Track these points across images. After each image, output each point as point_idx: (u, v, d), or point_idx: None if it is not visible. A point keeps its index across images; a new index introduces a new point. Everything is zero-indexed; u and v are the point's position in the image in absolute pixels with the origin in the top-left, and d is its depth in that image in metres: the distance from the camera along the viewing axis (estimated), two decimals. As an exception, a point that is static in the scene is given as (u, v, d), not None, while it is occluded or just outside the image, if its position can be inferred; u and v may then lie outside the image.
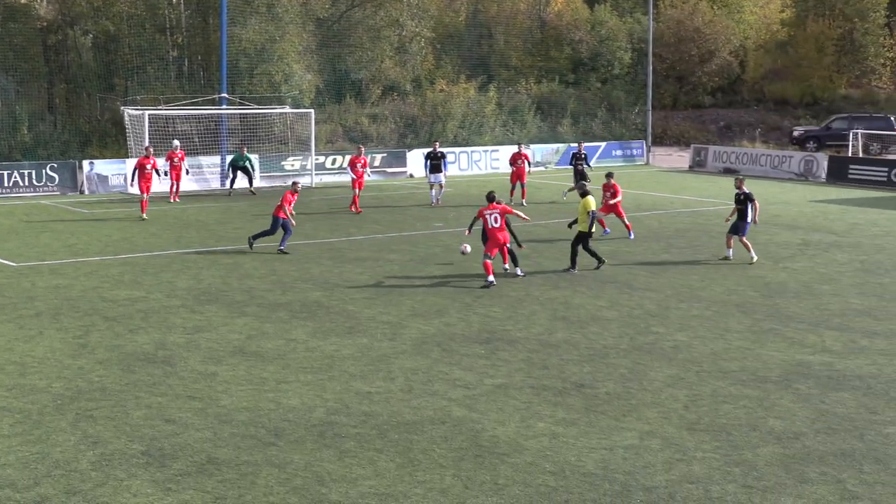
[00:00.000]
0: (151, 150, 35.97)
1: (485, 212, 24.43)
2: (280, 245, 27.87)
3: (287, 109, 47.45)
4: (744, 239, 26.94)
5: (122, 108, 44.26)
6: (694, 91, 70.35)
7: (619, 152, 57.44)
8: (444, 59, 62.56)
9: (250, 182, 41.90)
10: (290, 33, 50.93)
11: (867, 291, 23.56)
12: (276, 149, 46.81)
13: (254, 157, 43.97)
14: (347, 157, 46.68)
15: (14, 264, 26.03)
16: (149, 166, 35.05)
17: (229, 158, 42.99)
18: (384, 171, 48.59)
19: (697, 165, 54.17)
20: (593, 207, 25.36)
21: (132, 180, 36.23)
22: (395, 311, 21.07)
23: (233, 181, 41.77)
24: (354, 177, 36.78)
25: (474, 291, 23.02)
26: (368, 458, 13.10)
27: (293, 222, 27.98)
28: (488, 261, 23.95)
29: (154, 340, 18.56)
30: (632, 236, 30.68)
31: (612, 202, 30.50)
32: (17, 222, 33.69)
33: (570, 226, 26.89)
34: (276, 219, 27.74)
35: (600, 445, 13.64)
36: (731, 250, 27.33)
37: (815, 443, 13.87)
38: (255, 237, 28.28)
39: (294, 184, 28.67)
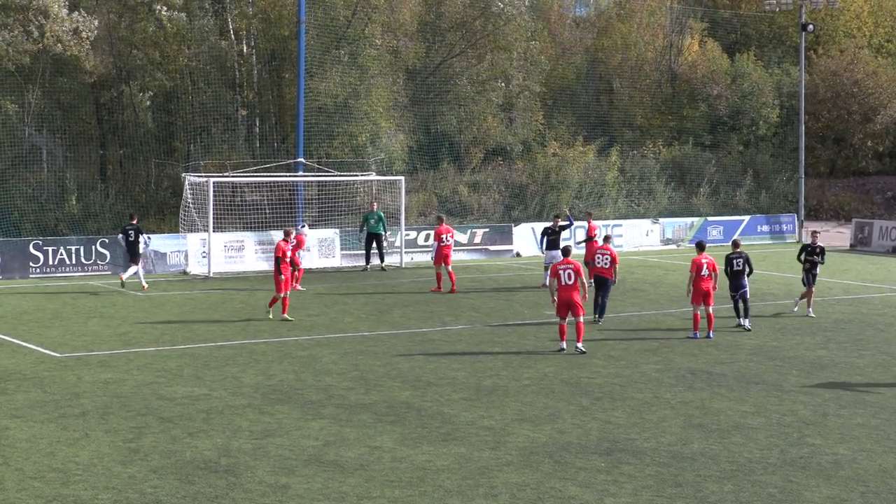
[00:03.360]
0: (293, 233, 33.79)
1: (559, 267, 26.70)
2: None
3: (373, 176, 48.00)
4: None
5: (182, 174, 45.19)
6: (855, 156, 69.67)
7: (765, 227, 57.03)
8: (556, 118, 62.90)
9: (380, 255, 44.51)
10: (377, 87, 51.69)
11: None
12: (360, 222, 47.29)
13: (334, 233, 44.53)
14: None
15: (58, 355, 26.51)
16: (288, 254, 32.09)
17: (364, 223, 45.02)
18: (486, 249, 48.79)
19: (860, 244, 53.49)
20: None
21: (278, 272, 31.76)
22: (499, 415, 20.98)
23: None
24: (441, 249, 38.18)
25: (592, 393, 22.88)
26: (466, 590, 13.00)
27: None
28: (563, 324, 26.77)
29: (216, 446, 18.71)
30: None
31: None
32: (61, 306, 34.39)
33: None
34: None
35: (745, 580, 13.38)
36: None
37: None
38: None
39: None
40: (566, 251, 27.55)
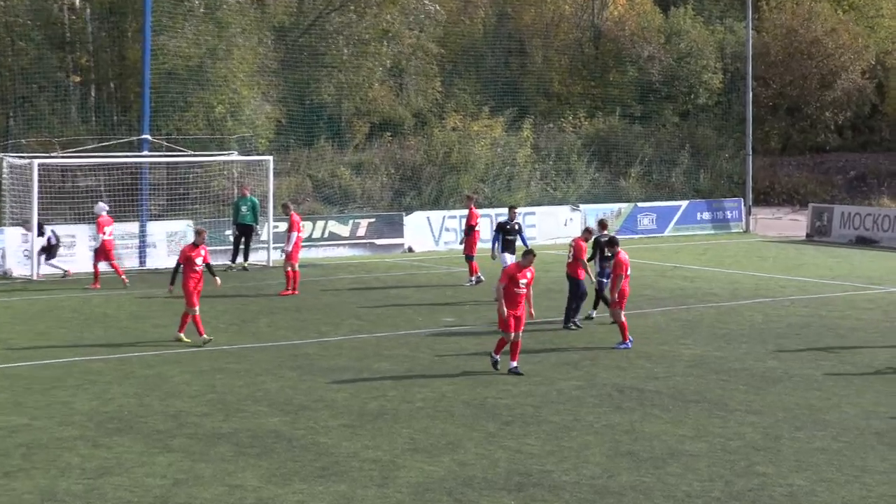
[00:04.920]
0: (205, 234, 31.41)
1: (519, 274, 26.59)
2: None
3: (234, 156, 47.72)
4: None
5: (0, 154, 44.53)
6: (812, 128, 70.57)
7: (706, 215, 57.59)
8: (457, 85, 63.00)
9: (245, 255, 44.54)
10: (238, 47, 51.36)
11: None
12: (218, 212, 46.96)
13: (187, 225, 44.23)
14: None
15: None
16: (199, 260, 30.13)
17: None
18: (372, 244, 48.73)
19: (818, 233, 54.20)
20: None
21: (173, 280, 30.47)
22: (387, 445, 20.92)
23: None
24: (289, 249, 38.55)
25: (500, 416, 22.89)
26: None
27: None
28: (504, 338, 26.52)
29: (39, 488, 18.43)
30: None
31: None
32: None
33: None
34: None
35: None
36: None
37: None
38: None
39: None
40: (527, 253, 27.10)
